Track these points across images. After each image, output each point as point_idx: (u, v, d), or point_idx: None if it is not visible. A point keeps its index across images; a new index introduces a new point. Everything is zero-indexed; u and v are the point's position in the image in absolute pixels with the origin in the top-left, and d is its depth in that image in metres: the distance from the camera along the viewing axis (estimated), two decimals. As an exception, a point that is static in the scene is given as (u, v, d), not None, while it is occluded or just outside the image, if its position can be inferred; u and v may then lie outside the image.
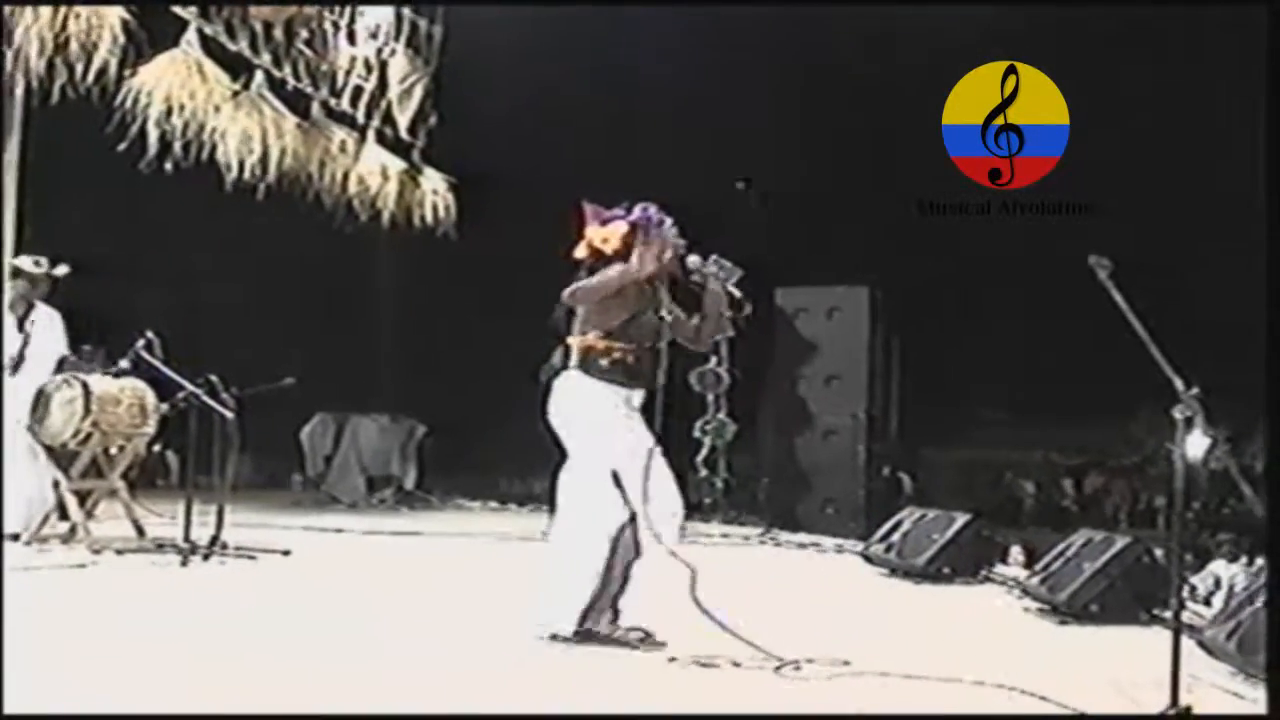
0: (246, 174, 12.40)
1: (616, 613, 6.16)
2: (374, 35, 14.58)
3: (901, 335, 13.95)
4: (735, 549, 11.57)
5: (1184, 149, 15.49)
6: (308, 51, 13.67)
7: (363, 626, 6.76)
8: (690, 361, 14.13)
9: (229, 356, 10.37)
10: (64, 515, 9.68)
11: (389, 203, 14.63)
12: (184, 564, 8.83)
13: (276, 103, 13.02)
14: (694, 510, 14.78)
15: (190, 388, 9.49)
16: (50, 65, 10.44)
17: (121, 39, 10.83)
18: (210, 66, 12.13)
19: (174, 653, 5.81)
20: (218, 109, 12.19)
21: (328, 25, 13.90)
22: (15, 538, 9.52)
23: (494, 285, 17.34)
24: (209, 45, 12.20)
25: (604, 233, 6.30)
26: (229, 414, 9.46)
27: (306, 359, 13.86)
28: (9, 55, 10.31)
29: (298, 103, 13.52)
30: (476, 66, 14.51)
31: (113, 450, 9.91)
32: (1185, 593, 6.84)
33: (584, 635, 6.06)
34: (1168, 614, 6.39)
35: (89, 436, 9.64)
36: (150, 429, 10.05)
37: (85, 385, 9.57)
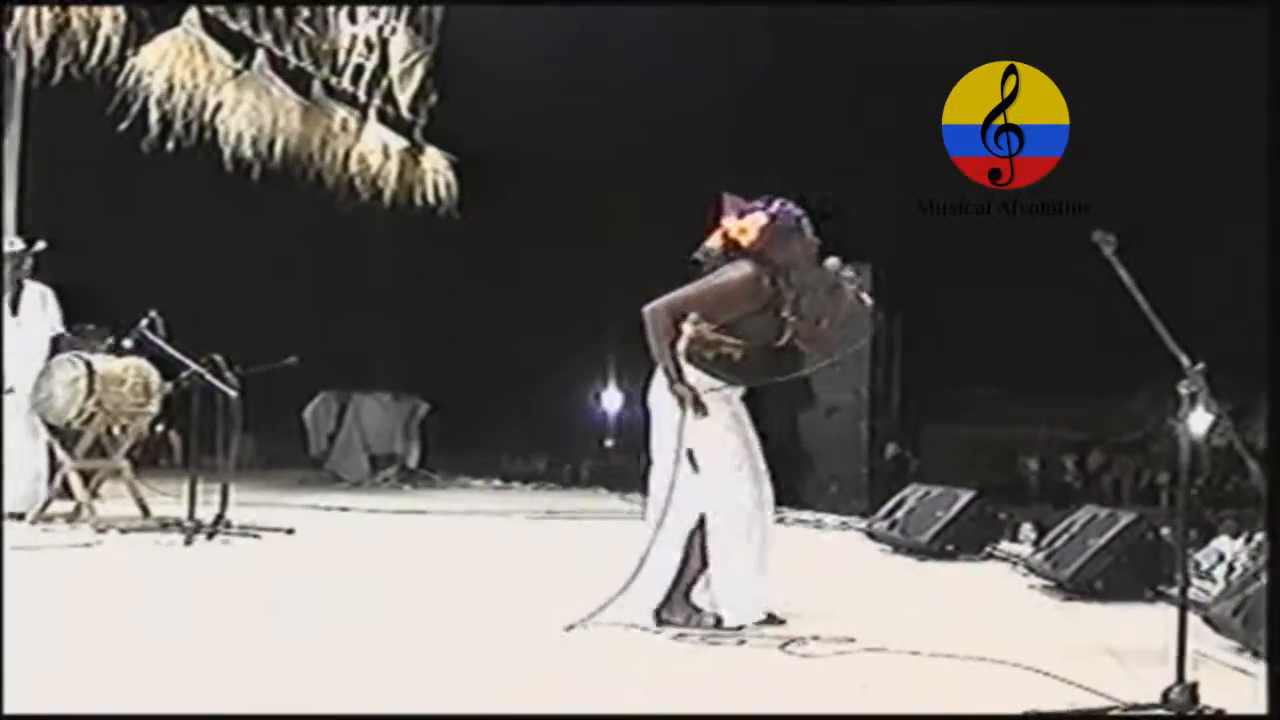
0: (248, 152, 12.40)
1: (692, 599, 6.12)
2: (375, 13, 14.57)
3: (904, 313, 13.94)
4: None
5: (1186, 132, 15.51)
6: (309, 30, 13.67)
7: (368, 605, 6.77)
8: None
9: (232, 335, 10.36)
10: (68, 494, 9.70)
11: (390, 181, 14.64)
12: (188, 543, 8.84)
13: (278, 81, 13.02)
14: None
15: (194, 366, 9.48)
16: (52, 45, 10.43)
17: (123, 18, 10.82)
18: (212, 46, 12.15)
19: (179, 631, 5.82)
20: (219, 88, 12.20)
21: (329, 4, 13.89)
22: (20, 517, 9.56)
23: (496, 263, 17.34)
24: (210, 24, 12.21)
25: (742, 224, 6.14)
26: (233, 393, 9.46)
27: (309, 338, 13.87)
28: (9, 36, 10.30)
29: (299, 81, 13.53)
30: (477, 44, 14.49)
31: (116, 430, 9.92)
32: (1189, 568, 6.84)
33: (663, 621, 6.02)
34: (1172, 590, 6.43)
35: (93, 416, 9.65)
36: (154, 408, 10.06)
37: (89, 365, 9.57)
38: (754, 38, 15.38)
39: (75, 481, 9.64)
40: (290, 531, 9.58)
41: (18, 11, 10.23)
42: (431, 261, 16.84)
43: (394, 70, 14.91)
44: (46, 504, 9.69)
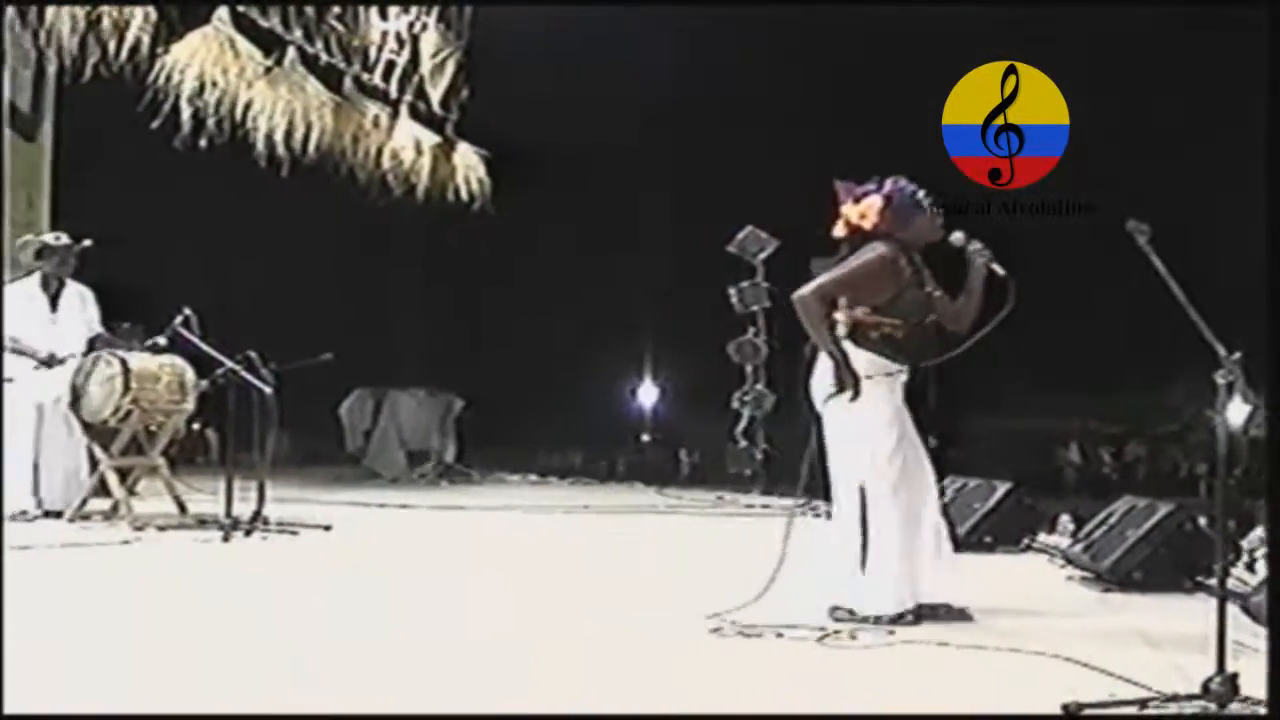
0: (280, 149, 12.43)
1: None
2: (406, 9, 14.58)
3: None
4: (776, 520, 11.53)
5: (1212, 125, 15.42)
6: (339, 26, 13.68)
7: (407, 602, 6.76)
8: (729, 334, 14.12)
9: (266, 332, 10.39)
10: (106, 492, 9.74)
11: (423, 177, 14.65)
12: (226, 540, 8.86)
13: (310, 78, 13.04)
14: (733, 481, 14.80)
15: (229, 363, 9.50)
16: (83, 43, 10.47)
17: (154, 16, 10.85)
18: (243, 43, 12.17)
19: (217, 628, 5.83)
20: (250, 85, 12.22)
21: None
22: (58, 515, 9.62)
23: (529, 258, 17.36)
24: (241, 21, 12.23)
25: (860, 209, 6.10)
26: (268, 390, 9.47)
27: (343, 334, 13.91)
28: (42, 34, 10.34)
29: (330, 78, 13.54)
30: (509, 39, 14.50)
31: (153, 427, 9.96)
32: (1230, 558, 6.78)
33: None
34: (1211, 581, 6.38)
35: (129, 414, 9.68)
36: (190, 406, 10.10)
37: (124, 362, 9.60)
38: (787, 30, 15.36)
39: (112, 479, 9.67)
40: (328, 528, 9.59)
41: (50, 11, 10.27)
42: (465, 257, 16.87)
43: (425, 66, 14.91)
44: (84, 502, 9.74)
